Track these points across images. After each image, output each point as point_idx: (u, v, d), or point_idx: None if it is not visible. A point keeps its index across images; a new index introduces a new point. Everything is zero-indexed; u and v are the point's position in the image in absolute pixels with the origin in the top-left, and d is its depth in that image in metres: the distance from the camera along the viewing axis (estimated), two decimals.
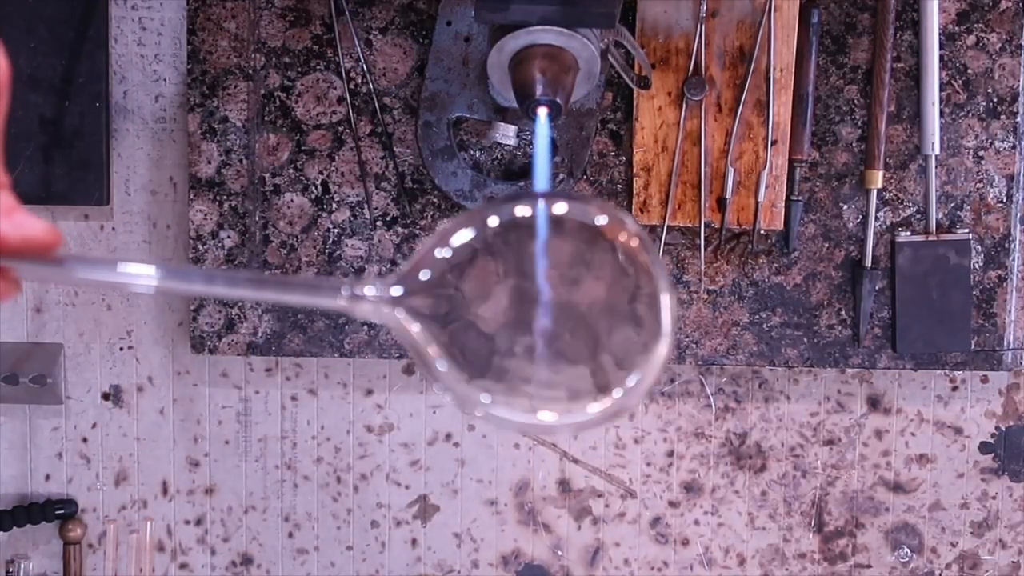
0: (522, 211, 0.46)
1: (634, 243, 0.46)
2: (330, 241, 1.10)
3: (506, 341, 0.47)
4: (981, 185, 1.08)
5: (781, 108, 1.05)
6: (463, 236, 0.46)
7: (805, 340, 1.10)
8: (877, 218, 1.09)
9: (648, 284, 0.46)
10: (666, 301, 0.47)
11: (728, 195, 1.06)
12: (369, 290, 0.48)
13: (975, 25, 1.07)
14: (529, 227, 0.46)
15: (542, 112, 0.88)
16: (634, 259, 0.46)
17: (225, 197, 1.10)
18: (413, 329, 0.48)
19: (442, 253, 0.47)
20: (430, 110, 1.06)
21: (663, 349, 0.47)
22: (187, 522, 1.18)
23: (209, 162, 1.10)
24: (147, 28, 1.12)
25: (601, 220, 0.46)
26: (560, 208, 0.47)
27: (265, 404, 1.16)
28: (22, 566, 1.19)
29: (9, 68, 0.49)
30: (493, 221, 0.46)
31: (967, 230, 1.09)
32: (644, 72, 1.02)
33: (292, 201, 1.10)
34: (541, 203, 0.47)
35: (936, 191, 1.08)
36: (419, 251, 0.47)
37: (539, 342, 0.46)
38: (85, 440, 1.18)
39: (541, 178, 1.04)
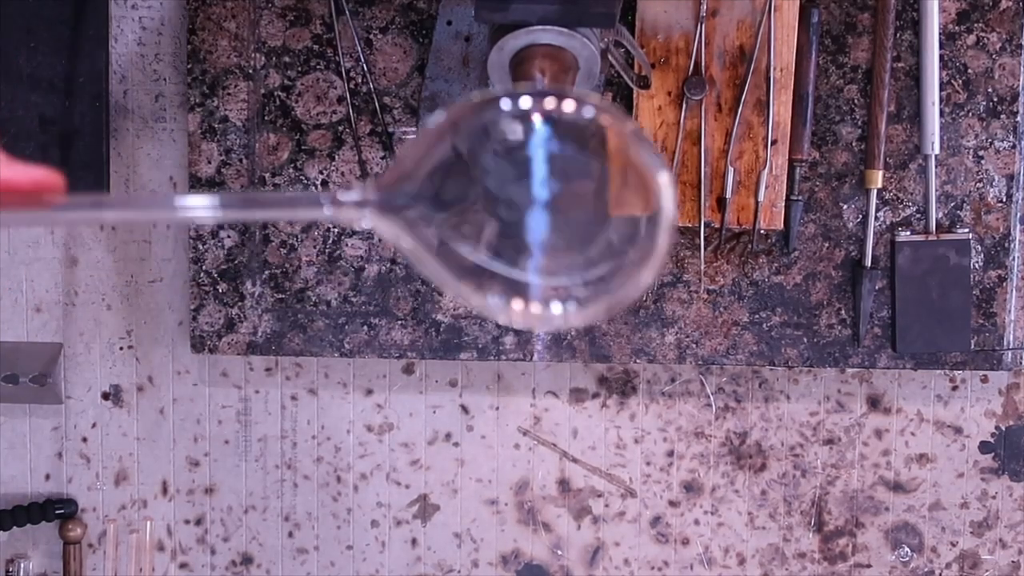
0: (505, 107, 0.45)
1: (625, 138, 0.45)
2: (330, 241, 1.10)
3: (498, 236, 0.45)
4: (981, 185, 1.08)
5: (781, 108, 1.05)
6: (436, 126, 0.45)
7: (805, 340, 1.10)
8: (877, 218, 1.09)
9: (642, 174, 0.45)
10: (664, 181, 0.45)
11: (728, 195, 1.06)
12: (351, 195, 0.46)
13: (975, 25, 1.07)
14: (518, 124, 0.45)
15: None
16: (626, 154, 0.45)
17: None
18: (394, 229, 0.45)
19: (418, 148, 0.46)
20: (430, 110, 1.06)
21: (665, 234, 0.46)
22: (187, 522, 1.18)
23: (209, 162, 1.10)
24: (147, 28, 1.12)
25: (591, 112, 0.45)
26: (545, 104, 0.45)
27: (265, 404, 1.16)
28: (22, 566, 1.19)
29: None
30: (471, 116, 0.45)
31: (967, 230, 1.09)
32: (644, 72, 1.02)
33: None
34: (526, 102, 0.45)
35: (936, 191, 1.08)
36: (400, 152, 0.46)
37: (534, 238, 0.45)
38: (85, 440, 1.18)
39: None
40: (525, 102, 0.44)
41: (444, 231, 0.45)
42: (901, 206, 1.09)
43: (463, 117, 0.45)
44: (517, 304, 0.44)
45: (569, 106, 0.44)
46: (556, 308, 0.45)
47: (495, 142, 0.44)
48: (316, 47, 1.08)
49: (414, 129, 1.02)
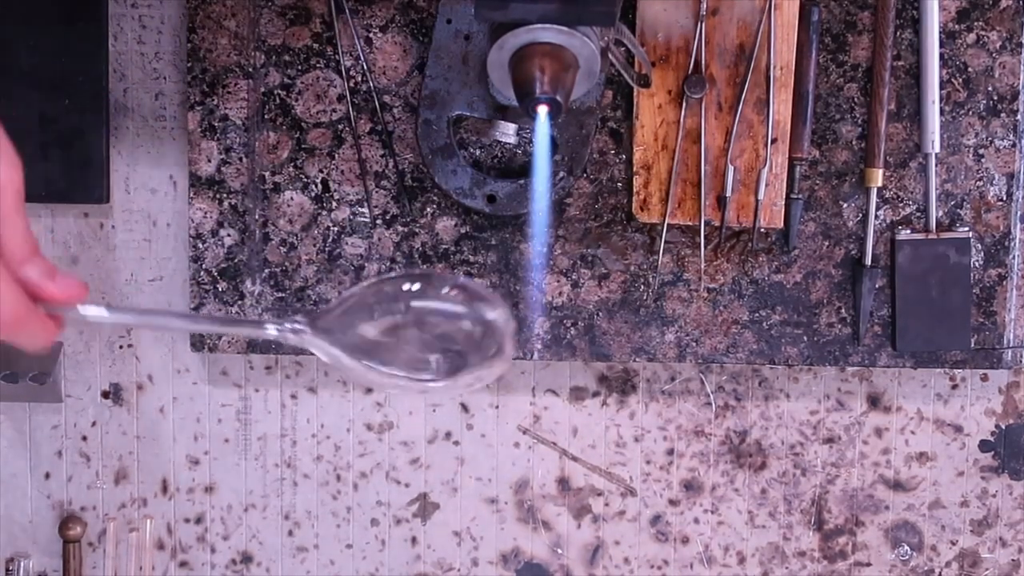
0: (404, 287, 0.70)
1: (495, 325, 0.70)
2: (330, 239, 1.10)
3: (395, 355, 0.70)
4: (981, 183, 1.08)
5: (781, 106, 1.05)
6: (354, 292, 0.70)
7: (805, 338, 1.10)
8: (877, 216, 1.09)
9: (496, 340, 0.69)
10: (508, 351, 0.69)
11: (728, 193, 1.06)
12: (297, 324, 0.68)
13: (975, 23, 1.07)
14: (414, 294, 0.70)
15: (542, 110, 0.88)
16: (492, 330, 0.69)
17: (225, 195, 1.10)
18: (321, 348, 0.69)
19: (343, 301, 0.70)
20: (430, 108, 1.06)
21: (500, 369, 0.70)
22: (187, 520, 1.18)
23: (209, 160, 1.10)
24: (147, 26, 1.12)
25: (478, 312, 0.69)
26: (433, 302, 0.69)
27: (265, 402, 1.16)
28: (22, 564, 1.19)
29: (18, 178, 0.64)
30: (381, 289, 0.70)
31: (967, 228, 1.09)
32: (644, 70, 1.02)
33: (292, 199, 1.10)
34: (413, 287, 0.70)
35: (936, 189, 1.08)
36: (335, 300, 0.69)
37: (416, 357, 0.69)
38: (85, 438, 1.18)
39: (541, 176, 1.04)
40: (407, 287, 0.69)
41: (350, 349, 0.68)
42: (901, 204, 1.09)
43: (375, 290, 0.69)
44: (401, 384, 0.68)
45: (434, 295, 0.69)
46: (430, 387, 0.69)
47: (388, 307, 0.68)
48: (316, 46, 1.08)
49: (512, 127, 1.05)
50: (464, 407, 1.16)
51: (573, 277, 1.10)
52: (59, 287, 0.64)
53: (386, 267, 1.10)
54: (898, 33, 1.06)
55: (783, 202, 1.07)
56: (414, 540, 1.18)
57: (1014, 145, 1.08)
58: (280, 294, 1.11)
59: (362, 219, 1.10)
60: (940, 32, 1.06)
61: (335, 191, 1.10)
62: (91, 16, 1.10)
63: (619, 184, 1.09)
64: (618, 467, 1.16)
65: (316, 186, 1.10)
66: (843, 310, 1.10)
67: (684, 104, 1.06)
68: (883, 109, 1.07)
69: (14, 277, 0.63)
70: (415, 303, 0.68)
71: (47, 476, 1.18)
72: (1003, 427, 1.15)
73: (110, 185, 1.14)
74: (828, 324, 1.10)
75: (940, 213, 1.09)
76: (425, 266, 1.10)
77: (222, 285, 1.11)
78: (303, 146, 1.09)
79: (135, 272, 1.15)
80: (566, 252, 1.10)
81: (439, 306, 0.68)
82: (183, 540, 1.19)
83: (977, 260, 1.09)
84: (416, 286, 0.68)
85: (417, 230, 1.10)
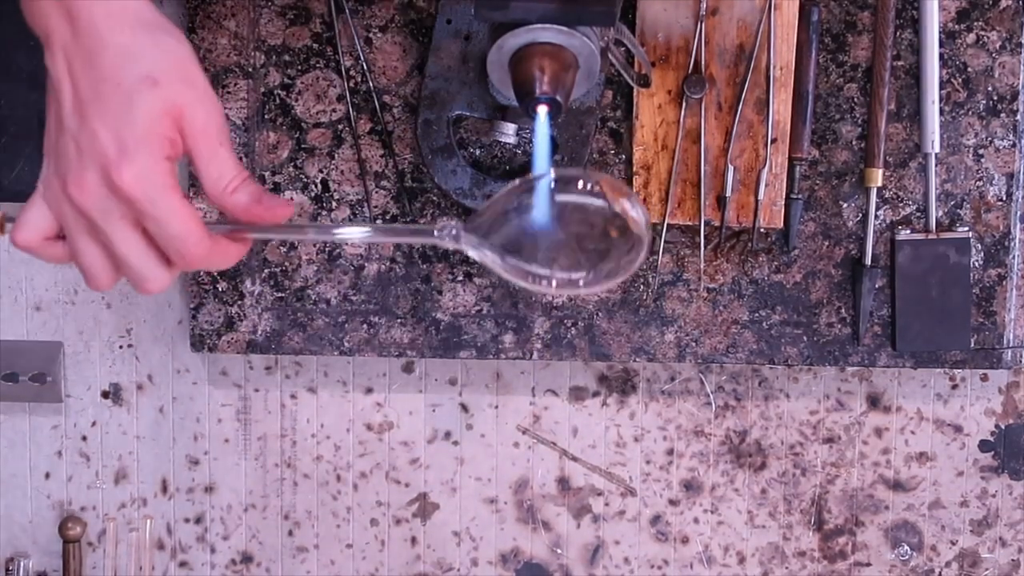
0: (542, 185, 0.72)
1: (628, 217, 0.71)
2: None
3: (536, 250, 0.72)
4: (981, 183, 1.08)
5: (781, 106, 1.05)
6: (500, 195, 0.73)
7: (805, 338, 1.10)
8: (877, 216, 1.09)
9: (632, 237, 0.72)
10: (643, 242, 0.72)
11: (728, 193, 1.06)
12: (453, 227, 0.72)
13: (975, 23, 1.07)
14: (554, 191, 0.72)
15: (542, 110, 0.88)
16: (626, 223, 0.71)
17: None
18: (475, 249, 0.72)
19: (493, 204, 0.73)
20: (430, 108, 1.06)
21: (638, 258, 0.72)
22: (187, 520, 1.18)
23: None
24: None
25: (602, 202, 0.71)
26: (570, 195, 0.71)
27: (265, 402, 1.16)
28: (22, 564, 1.19)
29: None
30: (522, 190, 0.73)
31: (967, 228, 1.09)
32: (644, 70, 1.02)
33: (292, 199, 1.10)
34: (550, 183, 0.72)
35: (936, 189, 1.08)
36: (486, 205, 0.73)
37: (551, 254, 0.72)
38: (85, 438, 1.18)
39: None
40: (550, 185, 0.72)
41: (500, 249, 0.71)
42: (901, 204, 1.09)
43: (519, 190, 0.72)
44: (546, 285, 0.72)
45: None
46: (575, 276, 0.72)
47: (531, 206, 0.71)
48: (316, 46, 1.08)
49: (512, 127, 1.06)
50: (464, 407, 1.16)
51: None
52: (266, 209, 0.70)
53: (386, 267, 1.10)
54: (898, 33, 1.06)
55: (783, 202, 1.07)
56: (414, 540, 1.18)
57: (1014, 145, 1.08)
58: (280, 294, 1.11)
59: (362, 218, 1.10)
60: (940, 32, 1.06)
61: (335, 191, 1.10)
62: None
63: None
64: (618, 467, 1.16)
65: (316, 186, 1.10)
66: (843, 310, 1.10)
67: (684, 104, 1.06)
68: (883, 109, 1.07)
69: (222, 205, 0.70)
70: (559, 198, 0.71)
71: (47, 476, 1.18)
72: (1003, 427, 1.15)
73: None
74: (828, 324, 1.10)
75: (940, 213, 1.09)
76: (425, 266, 1.10)
77: (222, 285, 1.11)
78: (303, 146, 1.09)
79: None
80: None
81: (580, 200, 0.71)
82: (183, 540, 1.19)
83: (977, 260, 1.09)
84: (556, 184, 0.71)
85: None
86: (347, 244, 1.10)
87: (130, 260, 0.69)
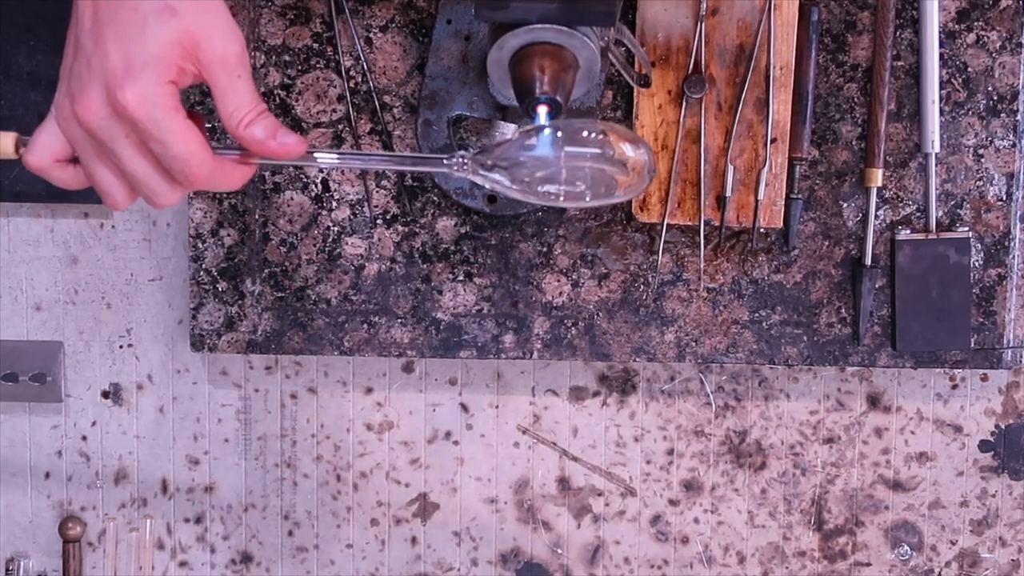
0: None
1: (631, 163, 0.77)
2: (330, 239, 1.10)
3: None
4: (981, 183, 1.08)
5: (781, 106, 1.05)
6: (509, 137, 0.79)
7: (805, 338, 1.10)
8: (877, 216, 1.09)
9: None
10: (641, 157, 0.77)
11: (728, 193, 1.06)
12: (464, 156, 0.76)
13: (975, 23, 1.07)
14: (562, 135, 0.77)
15: (542, 110, 0.88)
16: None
17: (225, 195, 1.10)
18: (484, 175, 0.77)
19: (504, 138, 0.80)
20: (430, 108, 1.06)
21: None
22: (187, 520, 1.18)
23: None
24: None
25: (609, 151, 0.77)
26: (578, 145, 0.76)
27: (265, 402, 1.16)
28: (22, 564, 1.19)
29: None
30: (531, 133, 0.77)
31: (967, 228, 1.09)
32: (644, 70, 1.02)
33: (292, 199, 1.10)
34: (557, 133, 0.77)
35: (936, 189, 1.08)
36: (497, 141, 0.78)
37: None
38: (85, 438, 1.18)
39: None
40: (558, 134, 0.77)
41: (509, 174, 0.76)
42: (901, 204, 1.09)
43: (527, 136, 0.77)
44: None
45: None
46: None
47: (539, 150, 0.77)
48: (316, 46, 1.08)
49: (512, 127, 1.08)
50: (464, 407, 1.16)
51: (573, 277, 1.10)
52: (280, 145, 0.71)
53: (386, 267, 1.10)
54: (898, 33, 1.07)
55: (783, 202, 1.07)
56: (414, 540, 1.18)
57: (1014, 145, 1.08)
58: (280, 294, 1.11)
59: (362, 218, 1.10)
60: (940, 32, 1.06)
61: (335, 191, 1.10)
62: None
63: None
64: (618, 467, 1.16)
65: (316, 186, 1.10)
66: (843, 310, 1.10)
67: (684, 104, 1.06)
68: (883, 109, 1.07)
69: (237, 136, 0.71)
70: (566, 148, 0.75)
71: (47, 476, 1.18)
72: (1003, 427, 1.15)
73: None
74: (828, 324, 1.10)
75: (940, 213, 1.09)
76: (425, 266, 1.10)
77: (222, 285, 1.11)
78: None
79: (135, 272, 1.15)
80: (566, 252, 1.10)
81: (584, 150, 0.76)
82: (183, 540, 1.19)
83: (977, 260, 1.09)
84: (562, 135, 0.76)
85: (417, 230, 1.10)
86: (348, 244, 1.10)
87: (139, 178, 0.70)
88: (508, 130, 1.05)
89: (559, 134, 0.76)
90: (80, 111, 0.68)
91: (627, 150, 0.77)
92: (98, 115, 0.68)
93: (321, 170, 1.09)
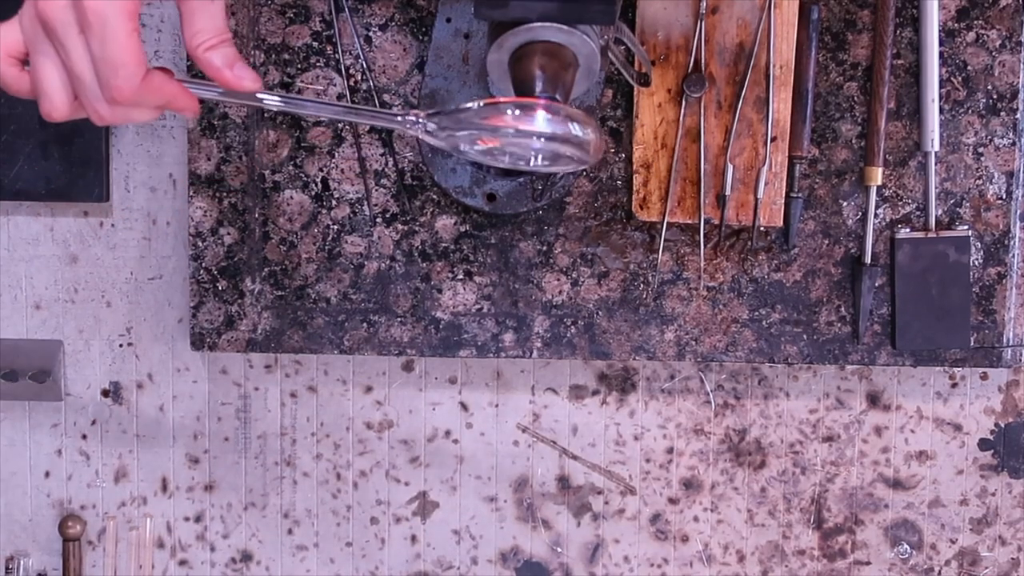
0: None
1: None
2: (330, 238, 1.10)
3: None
4: (981, 182, 1.08)
5: (781, 105, 1.05)
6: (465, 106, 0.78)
7: (804, 337, 1.10)
8: (877, 215, 1.09)
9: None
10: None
11: (727, 192, 1.06)
12: (415, 115, 0.77)
13: (975, 22, 1.07)
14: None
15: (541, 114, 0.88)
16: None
17: (224, 194, 1.10)
18: (436, 135, 0.78)
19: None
20: (430, 107, 1.06)
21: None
22: (186, 519, 1.18)
23: (208, 159, 1.10)
24: (147, 24, 1.12)
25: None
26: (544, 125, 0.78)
27: (265, 401, 1.17)
28: (22, 563, 1.19)
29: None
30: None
31: (967, 227, 1.09)
32: (644, 69, 1.02)
33: (292, 198, 1.10)
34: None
35: (936, 188, 1.08)
36: (450, 107, 0.79)
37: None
38: (84, 437, 1.18)
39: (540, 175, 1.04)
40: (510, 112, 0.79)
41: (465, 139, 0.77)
42: (901, 203, 1.09)
43: (483, 110, 0.78)
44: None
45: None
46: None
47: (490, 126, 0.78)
48: (316, 44, 1.08)
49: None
50: (464, 406, 1.16)
51: (573, 275, 1.10)
52: (234, 77, 0.73)
53: (386, 266, 1.10)
54: (898, 32, 1.07)
55: (783, 200, 1.07)
56: (414, 538, 1.18)
57: (1014, 143, 1.08)
58: (280, 293, 1.11)
59: (362, 217, 1.10)
60: (940, 31, 1.06)
61: (335, 189, 1.10)
62: None
63: (619, 182, 1.09)
64: (618, 465, 1.16)
65: (316, 184, 1.10)
66: (843, 308, 1.10)
67: (684, 103, 1.06)
68: (883, 107, 1.07)
69: (196, 58, 0.72)
70: (521, 126, 0.77)
71: (47, 475, 1.18)
72: (1002, 425, 1.15)
73: (110, 184, 1.14)
74: (828, 322, 1.10)
75: (940, 212, 1.09)
76: (425, 264, 1.10)
77: (222, 283, 1.11)
78: (303, 144, 1.09)
79: (135, 271, 1.15)
80: (566, 250, 1.10)
81: (535, 129, 0.78)
82: (183, 538, 1.19)
83: (976, 259, 1.09)
84: (517, 112, 0.78)
85: (417, 228, 1.10)
86: (347, 243, 1.10)
87: (81, 79, 0.70)
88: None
89: (517, 112, 0.78)
90: (41, 2, 0.69)
91: (576, 129, 0.79)
92: (58, 4, 0.69)
93: (321, 169, 1.09)
